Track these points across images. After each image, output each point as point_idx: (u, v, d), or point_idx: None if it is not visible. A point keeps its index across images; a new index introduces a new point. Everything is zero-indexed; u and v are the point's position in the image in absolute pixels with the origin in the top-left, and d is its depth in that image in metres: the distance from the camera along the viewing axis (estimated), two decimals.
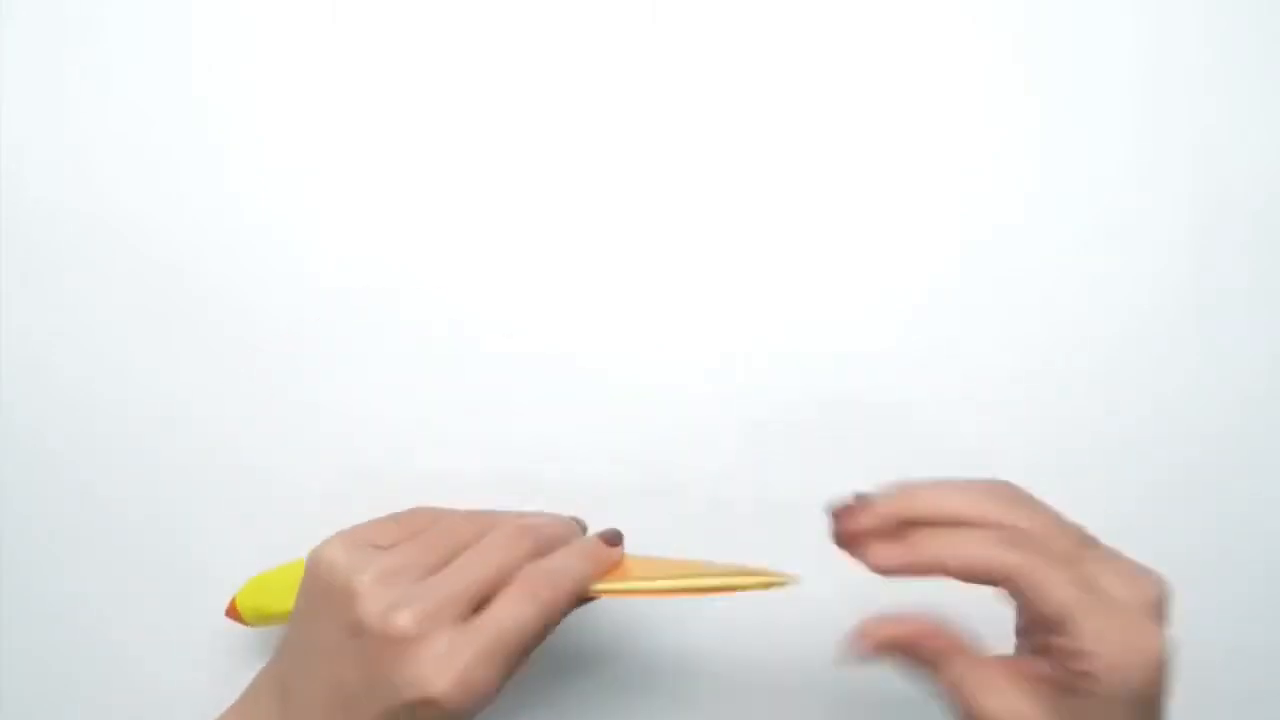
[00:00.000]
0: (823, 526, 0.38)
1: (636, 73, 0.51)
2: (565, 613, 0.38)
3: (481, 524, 0.40)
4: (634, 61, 0.51)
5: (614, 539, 0.42)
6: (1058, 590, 0.35)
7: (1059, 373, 0.49)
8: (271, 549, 0.45)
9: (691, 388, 0.49)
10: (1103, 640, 0.35)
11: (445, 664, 0.36)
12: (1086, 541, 0.37)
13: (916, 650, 0.37)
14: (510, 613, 0.37)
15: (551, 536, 0.40)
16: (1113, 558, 0.37)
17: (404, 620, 0.36)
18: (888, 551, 0.37)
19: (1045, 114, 0.51)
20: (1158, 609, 0.36)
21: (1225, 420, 0.49)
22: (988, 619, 0.38)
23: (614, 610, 0.48)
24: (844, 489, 0.39)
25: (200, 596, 0.47)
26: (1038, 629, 0.37)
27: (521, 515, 0.42)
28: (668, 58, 0.51)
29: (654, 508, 0.48)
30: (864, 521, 0.37)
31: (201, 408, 0.49)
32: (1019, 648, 0.39)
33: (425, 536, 0.40)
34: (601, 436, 0.49)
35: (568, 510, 0.44)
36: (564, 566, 0.39)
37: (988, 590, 0.36)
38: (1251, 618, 0.48)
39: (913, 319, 0.50)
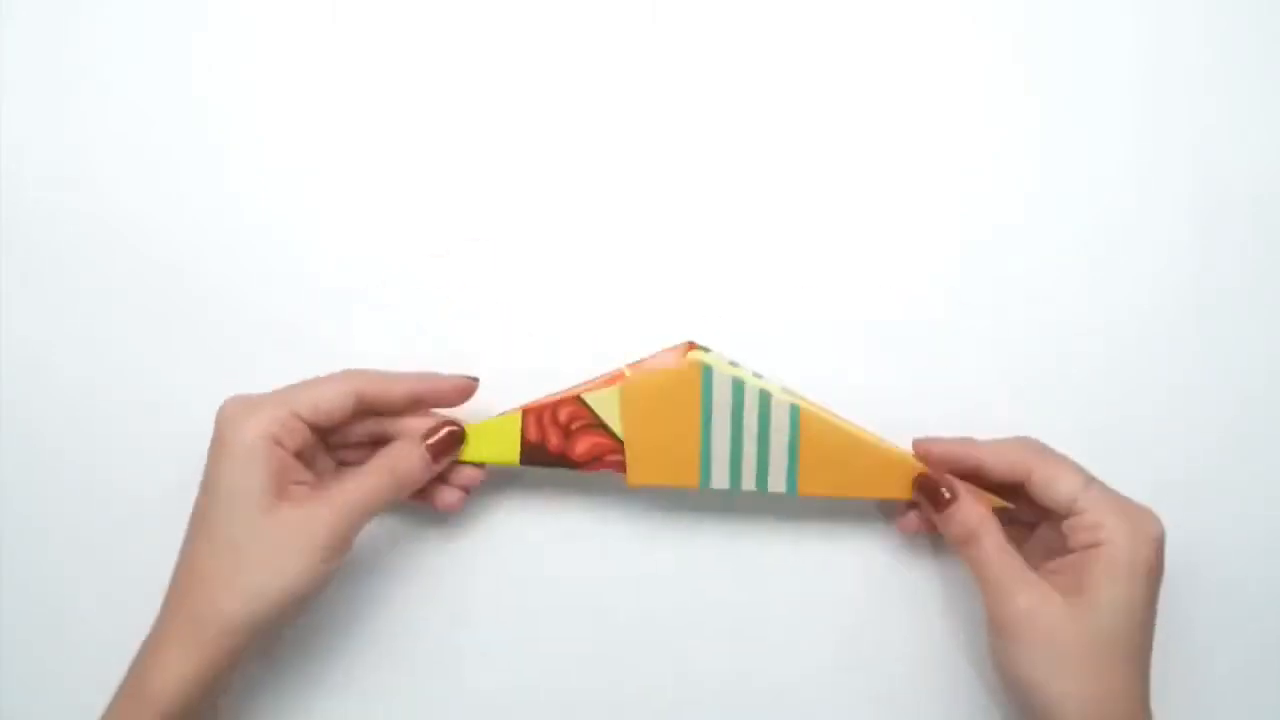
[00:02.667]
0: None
1: (636, 72, 0.51)
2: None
3: None
4: (634, 61, 0.51)
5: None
6: (1067, 477, 0.44)
7: (1058, 373, 0.49)
8: None
9: None
10: (1109, 513, 0.43)
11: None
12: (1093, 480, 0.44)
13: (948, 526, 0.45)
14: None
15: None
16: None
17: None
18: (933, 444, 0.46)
19: (1045, 114, 0.51)
20: (1151, 521, 0.43)
21: (1225, 420, 0.49)
22: None
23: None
24: None
25: None
26: (1050, 521, 0.45)
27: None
28: (668, 57, 0.51)
29: (654, 516, 0.49)
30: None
31: (201, 407, 0.49)
32: (1028, 553, 0.45)
33: None
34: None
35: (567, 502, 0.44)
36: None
37: None
38: (1252, 616, 0.48)
39: (911, 319, 0.50)
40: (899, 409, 0.48)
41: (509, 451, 0.46)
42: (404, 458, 0.44)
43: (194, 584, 0.42)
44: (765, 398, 0.45)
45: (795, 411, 0.45)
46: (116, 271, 0.50)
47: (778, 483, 0.46)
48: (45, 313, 0.50)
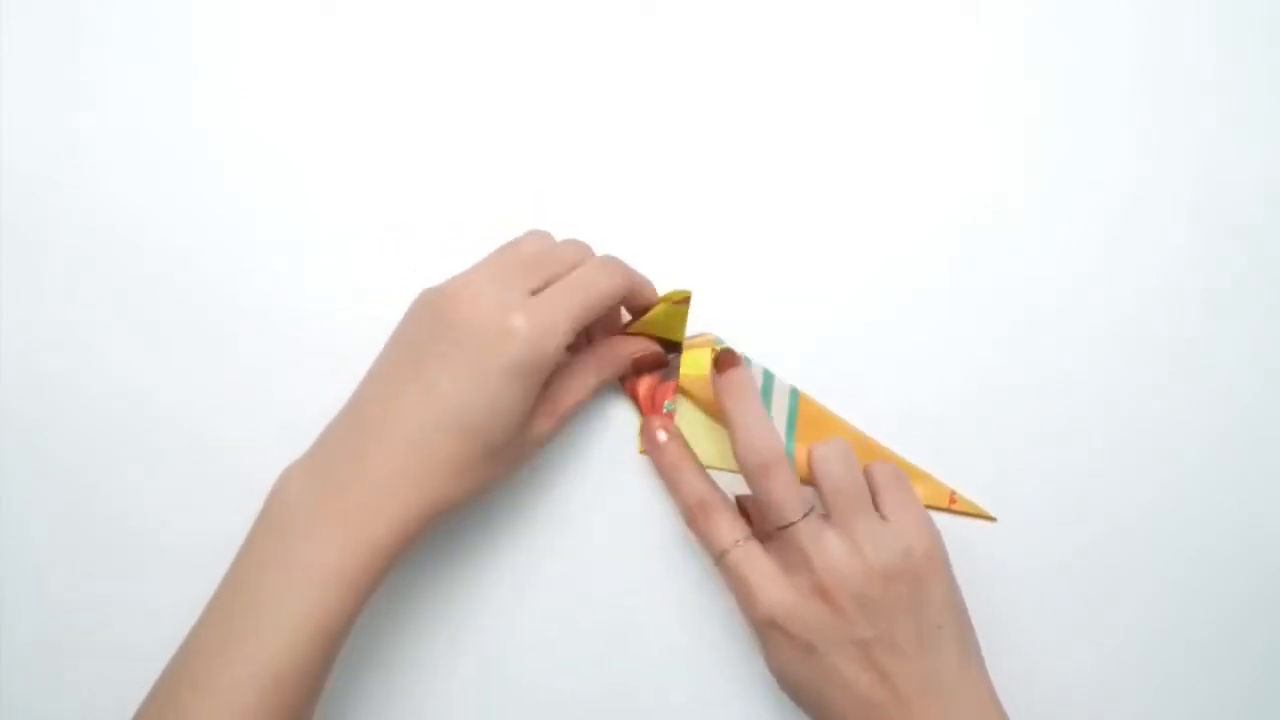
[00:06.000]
0: None
1: (632, 65, 0.51)
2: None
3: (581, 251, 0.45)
4: (630, 53, 0.51)
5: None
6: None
7: (1057, 373, 0.49)
8: None
9: None
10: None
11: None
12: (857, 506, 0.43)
13: (695, 524, 0.45)
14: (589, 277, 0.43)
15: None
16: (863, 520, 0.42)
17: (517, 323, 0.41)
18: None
19: (1046, 113, 0.51)
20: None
21: (1225, 419, 0.49)
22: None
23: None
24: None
25: (195, 596, 0.47)
26: None
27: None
28: (664, 48, 0.51)
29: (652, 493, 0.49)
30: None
31: (202, 408, 0.49)
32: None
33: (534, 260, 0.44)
34: (604, 445, 0.49)
35: (570, 474, 0.47)
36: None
37: None
38: (1254, 616, 0.48)
39: (910, 317, 0.50)
40: (894, 404, 0.48)
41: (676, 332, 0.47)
42: (611, 365, 0.47)
43: (421, 460, 0.41)
44: (769, 377, 0.48)
45: (794, 395, 0.47)
46: (115, 272, 0.50)
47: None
48: (44, 312, 0.50)
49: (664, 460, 0.47)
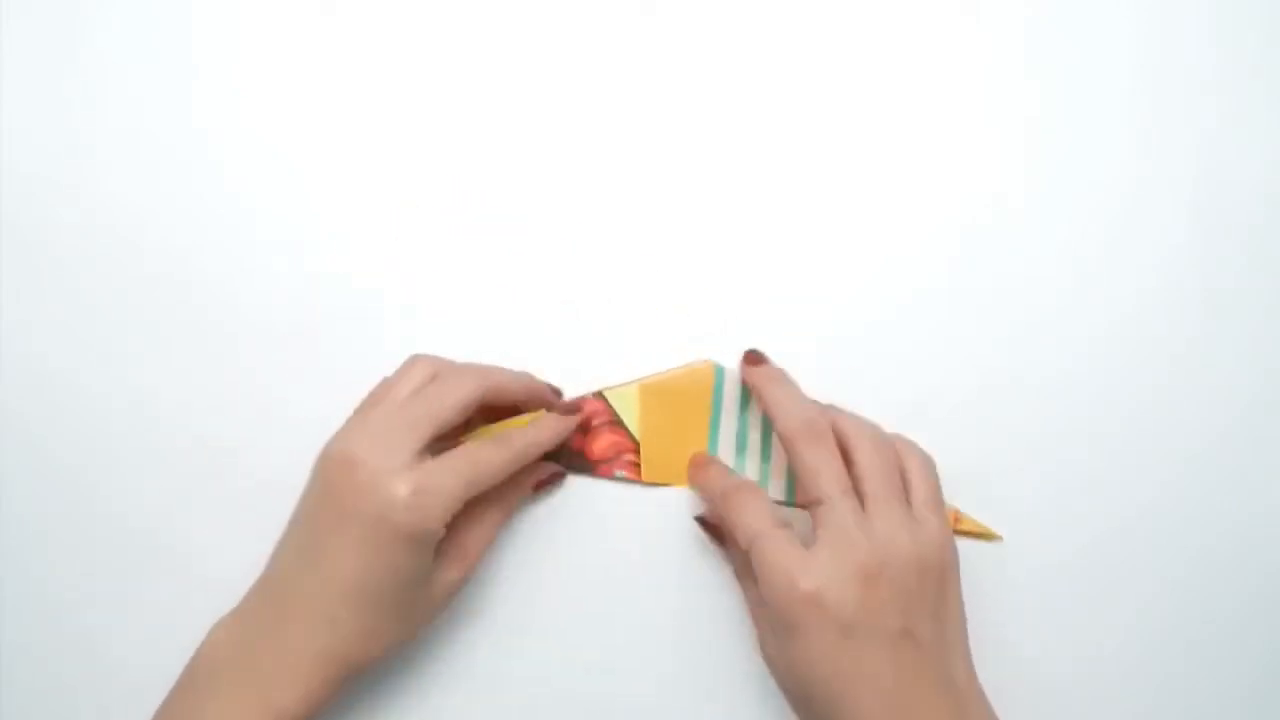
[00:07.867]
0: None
1: (632, 65, 0.51)
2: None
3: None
4: (630, 53, 0.51)
5: (572, 409, 0.47)
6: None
7: (1057, 373, 0.49)
8: (266, 549, 0.45)
9: None
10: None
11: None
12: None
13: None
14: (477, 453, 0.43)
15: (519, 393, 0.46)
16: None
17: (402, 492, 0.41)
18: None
19: (1046, 113, 0.51)
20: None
21: (1225, 419, 0.49)
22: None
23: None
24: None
25: (195, 597, 0.47)
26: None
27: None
28: (664, 48, 0.51)
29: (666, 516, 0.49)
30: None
31: (202, 409, 0.49)
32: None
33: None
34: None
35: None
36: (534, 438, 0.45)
37: None
38: (1254, 616, 0.48)
39: (909, 322, 0.50)
40: (894, 404, 0.48)
41: None
42: (516, 495, 0.46)
43: (330, 633, 0.41)
44: None
45: None
46: (115, 271, 0.50)
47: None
48: (44, 312, 0.50)
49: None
